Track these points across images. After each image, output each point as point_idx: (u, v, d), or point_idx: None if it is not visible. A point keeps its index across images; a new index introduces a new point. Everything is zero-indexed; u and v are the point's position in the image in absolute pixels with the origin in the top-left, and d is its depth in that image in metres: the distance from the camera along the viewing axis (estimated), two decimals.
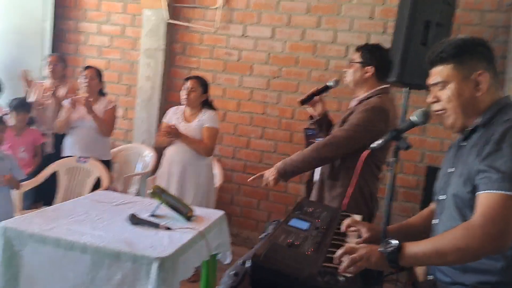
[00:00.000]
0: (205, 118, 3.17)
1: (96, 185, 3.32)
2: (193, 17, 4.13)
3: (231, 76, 4.07)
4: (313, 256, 1.24)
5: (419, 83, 2.86)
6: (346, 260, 1.18)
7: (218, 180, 3.66)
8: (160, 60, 4.12)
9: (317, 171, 2.35)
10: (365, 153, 1.56)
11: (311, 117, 2.47)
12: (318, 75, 3.80)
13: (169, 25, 4.12)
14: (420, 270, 1.92)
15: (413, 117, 1.45)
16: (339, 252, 1.21)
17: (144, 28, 4.17)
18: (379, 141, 1.49)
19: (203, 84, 3.21)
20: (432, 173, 3.26)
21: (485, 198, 1.14)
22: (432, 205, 1.57)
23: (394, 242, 1.19)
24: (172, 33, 4.19)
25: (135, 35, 4.30)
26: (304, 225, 1.49)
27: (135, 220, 2.04)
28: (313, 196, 2.28)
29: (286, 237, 1.33)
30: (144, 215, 2.14)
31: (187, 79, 3.23)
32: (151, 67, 4.14)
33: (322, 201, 2.19)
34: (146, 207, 2.32)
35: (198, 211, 2.33)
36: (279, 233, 1.36)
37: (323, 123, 2.45)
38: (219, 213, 2.41)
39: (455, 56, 1.29)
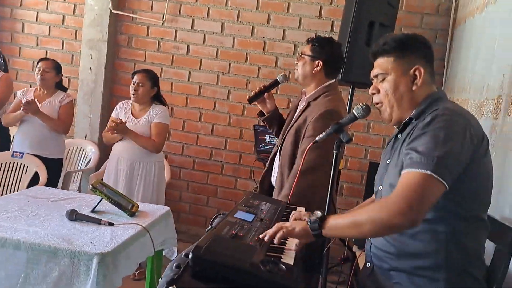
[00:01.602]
0: (155, 113, 3.08)
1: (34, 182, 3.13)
2: (139, 8, 4.02)
3: (179, 70, 4.00)
4: (256, 246, 1.24)
5: (363, 82, 2.97)
6: (271, 229, 1.29)
7: (166, 177, 3.58)
8: (103, 51, 3.97)
9: (274, 176, 2.29)
10: (308, 147, 1.58)
11: (261, 114, 2.41)
12: (268, 72, 3.83)
13: (113, 16, 3.97)
14: (361, 261, 1.98)
15: (355, 111, 1.49)
16: (271, 230, 1.30)
17: (86, 18, 3.99)
18: (322, 134, 1.51)
19: (152, 78, 3.11)
20: (373, 168, 3.38)
21: (404, 177, 1.21)
22: (374, 196, 1.63)
23: (319, 213, 1.28)
24: (117, 24, 4.05)
25: (77, 25, 4.12)
26: (249, 217, 1.49)
27: (74, 215, 1.94)
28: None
29: (230, 229, 1.33)
30: (85, 211, 2.05)
31: (135, 73, 3.11)
32: (93, 59, 3.98)
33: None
34: (87, 203, 2.23)
35: (142, 206, 2.27)
36: (224, 225, 1.36)
37: (274, 119, 2.39)
38: (165, 208, 2.36)
39: (397, 49, 1.35)
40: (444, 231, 1.24)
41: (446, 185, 1.18)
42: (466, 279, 1.28)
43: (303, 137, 2.09)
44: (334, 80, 2.24)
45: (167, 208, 2.38)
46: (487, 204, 1.33)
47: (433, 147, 1.18)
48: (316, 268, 1.31)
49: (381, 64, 1.38)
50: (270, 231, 1.29)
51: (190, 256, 1.12)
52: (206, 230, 1.53)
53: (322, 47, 2.17)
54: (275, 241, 1.28)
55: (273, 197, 2.17)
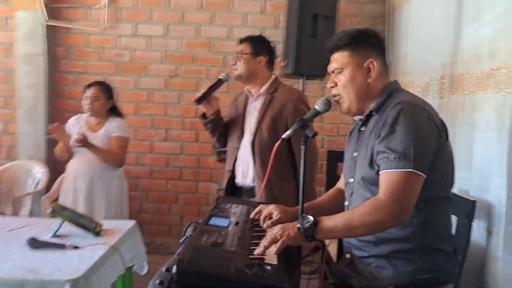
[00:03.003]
0: (113, 126, 2.95)
1: None
2: (76, 18, 3.84)
3: (124, 78, 3.87)
4: (237, 251, 1.23)
5: (313, 73, 3.03)
6: (266, 241, 1.24)
7: None
8: (41, 66, 3.75)
9: (249, 174, 2.31)
10: (277, 144, 1.59)
11: (204, 116, 2.37)
12: (217, 71, 3.79)
13: (49, 28, 3.77)
14: (332, 249, 2.04)
15: (317, 106, 1.51)
16: (262, 243, 1.25)
17: (19, 32, 3.75)
18: (289, 131, 1.52)
19: (107, 90, 2.97)
20: (332, 156, 3.48)
21: (386, 177, 1.26)
22: (338, 185, 1.68)
23: (310, 218, 1.28)
24: (53, 36, 3.84)
25: (8, 40, 3.85)
26: (224, 222, 1.47)
27: (35, 243, 1.83)
28: (264, 199, 2.15)
29: (209, 237, 1.30)
30: (46, 237, 1.93)
31: (89, 86, 2.95)
32: (31, 74, 3.75)
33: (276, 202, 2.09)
34: (46, 228, 2.10)
35: (107, 224, 2.18)
36: (200, 234, 1.33)
37: (219, 121, 2.38)
38: (130, 223, 2.28)
39: (351, 44, 1.40)
40: (415, 216, 1.30)
41: (425, 176, 1.25)
42: (439, 255, 1.35)
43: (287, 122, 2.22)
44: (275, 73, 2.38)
45: (133, 222, 2.30)
46: (452, 184, 1.40)
47: (408, 144, 1.24)
48: (297, 263, 1.33)
49: (337, 58, 1.43)
50: (265, 243, 1.24)
51: (174, 270, 1.09)
52: (180, 241, 1.50)
53: (261, 44, 2.30)
54: (275, 252, 1.23)
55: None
